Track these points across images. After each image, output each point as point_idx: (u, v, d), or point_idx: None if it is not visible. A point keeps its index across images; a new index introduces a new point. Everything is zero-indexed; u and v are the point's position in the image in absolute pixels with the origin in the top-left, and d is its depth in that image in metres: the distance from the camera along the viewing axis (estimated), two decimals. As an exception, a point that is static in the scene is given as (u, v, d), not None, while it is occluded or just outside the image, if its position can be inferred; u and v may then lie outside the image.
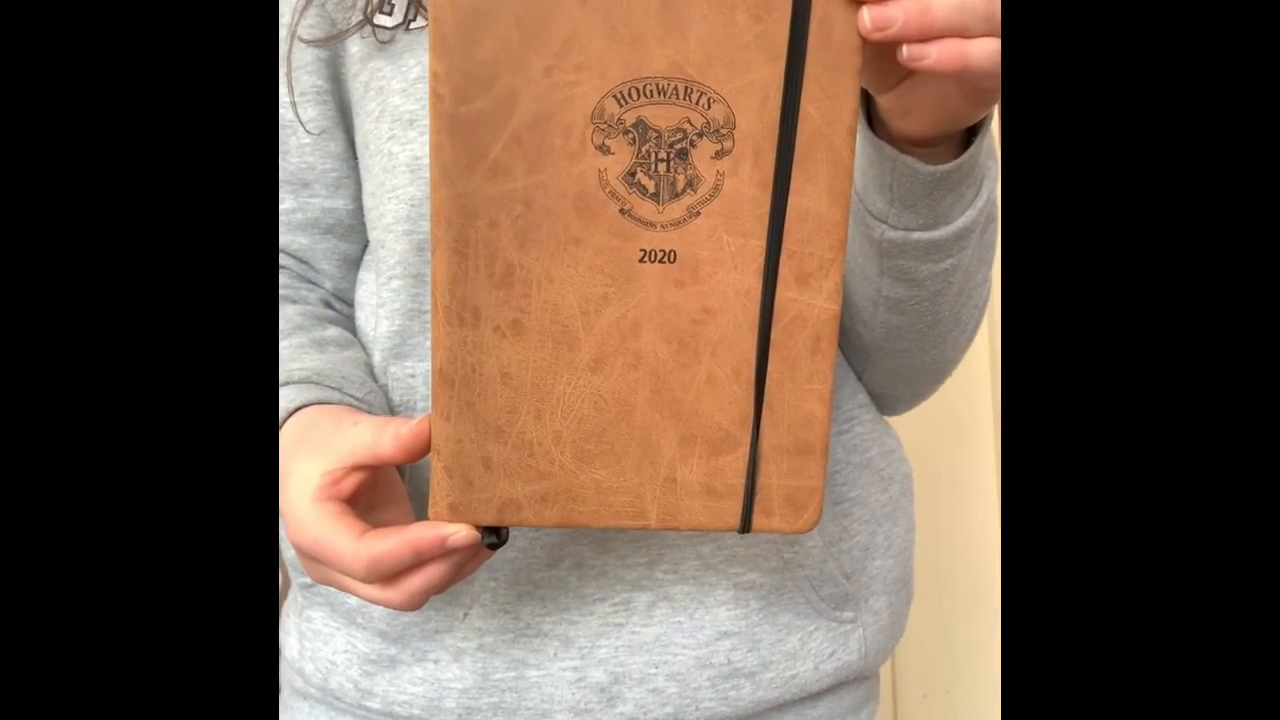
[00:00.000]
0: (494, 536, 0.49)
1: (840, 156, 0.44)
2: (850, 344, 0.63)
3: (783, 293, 0.45)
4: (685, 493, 0.47)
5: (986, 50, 0.41)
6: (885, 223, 0.53)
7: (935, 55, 0.41)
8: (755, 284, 0.45)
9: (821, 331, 0.46)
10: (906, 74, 0.45)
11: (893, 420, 0.70)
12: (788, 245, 0.44)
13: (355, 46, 0.61)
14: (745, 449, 0.47)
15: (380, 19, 0.60)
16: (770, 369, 0.46)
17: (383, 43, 0.60)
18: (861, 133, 0.50)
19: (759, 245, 0.44)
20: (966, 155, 0.50)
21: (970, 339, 0.63)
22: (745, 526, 0.48)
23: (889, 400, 0.68)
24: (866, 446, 0.66)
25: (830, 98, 0.43)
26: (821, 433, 0.47)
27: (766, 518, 0.48)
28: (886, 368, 0.63)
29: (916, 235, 0.53)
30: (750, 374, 0.46)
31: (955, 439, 1.21)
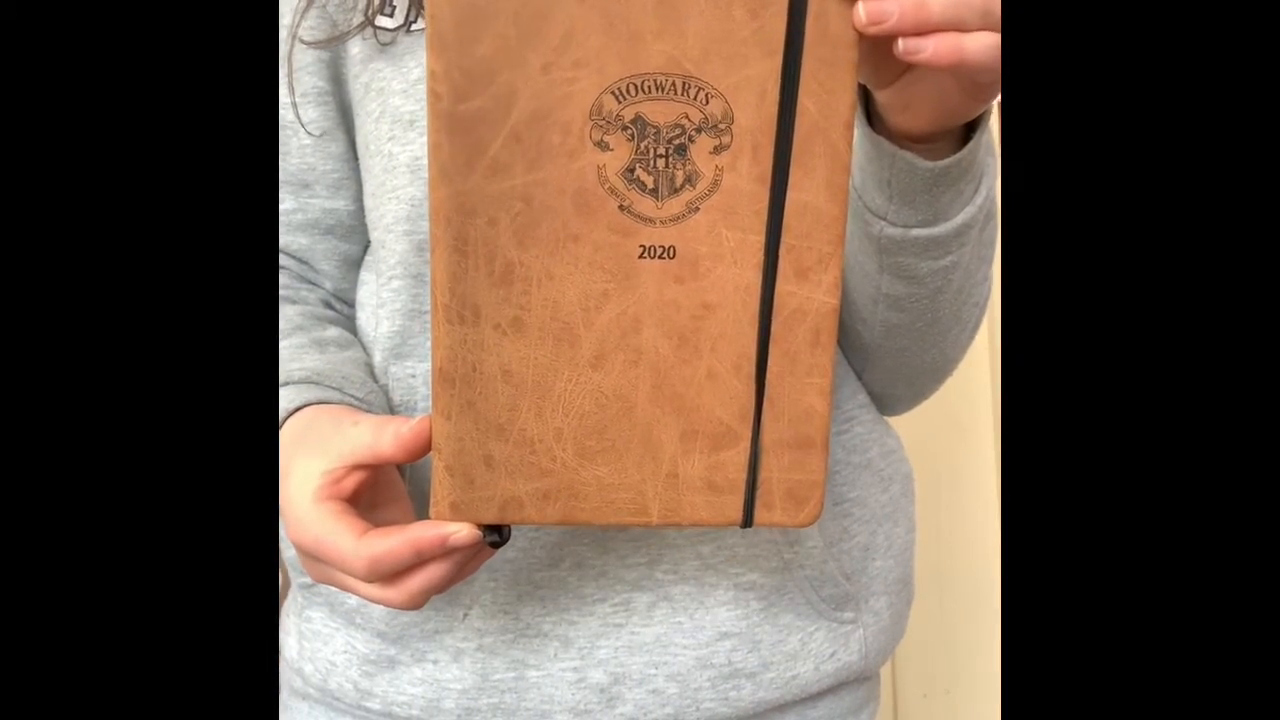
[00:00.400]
0: (496, 535, 0.49)
1: (838, 151, 0.44)
2: (850, 342, 0.63)
3: (782, 287, 0.45)
4: (687, 488, 0.47)
5: (983, 44, 0.41)
6: (884, 219, 0.53)
7: (931, 49, 0.41)
8: (754, 279, 0.45)
9: (821, 325, 0.46)
10: (904, 69, 0.45)
11: (893, 420, 0.70)
12: (786, 239, 0.45)
13: (356, 48, 0.61)
14: (746, 443, 0.47)
15: (381, 20, 0.60)
16: (770, 363, 0.46)
17: (384, 44, 0.60)
18: (860, 129, 0.50)
19: (758, 240, 0.45)
20: (965, 151, 0.50)
21: (971, 337, 0.63)
22: (747, 521, 0.48)
23: (889, 400, 0.67)
24: (866, 446, 0.66)
25: (827, 92, 0.43)
26: (822, 426, 0.47)
27: (768, 512, 0.48)
28: (887, 366, 0.63)
29: (916, 232, 0.53)
30: (750, 368, 0.46)
31: (955, 439, 1.21)
